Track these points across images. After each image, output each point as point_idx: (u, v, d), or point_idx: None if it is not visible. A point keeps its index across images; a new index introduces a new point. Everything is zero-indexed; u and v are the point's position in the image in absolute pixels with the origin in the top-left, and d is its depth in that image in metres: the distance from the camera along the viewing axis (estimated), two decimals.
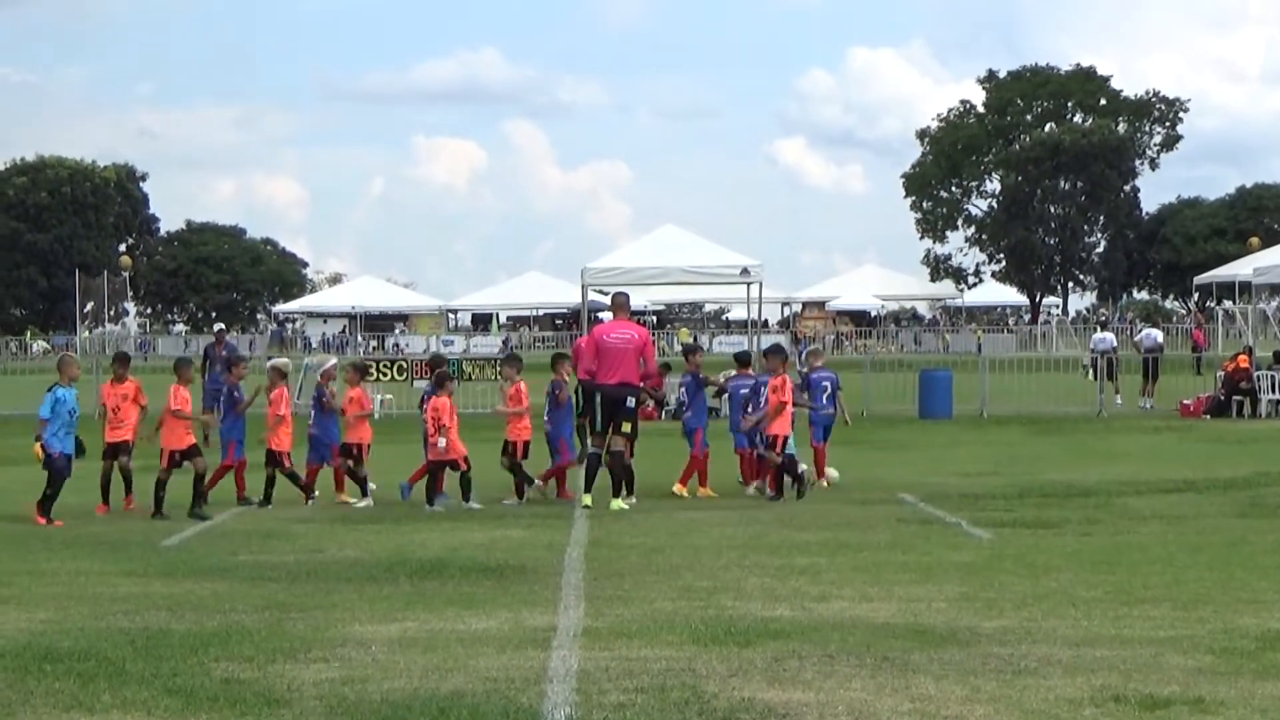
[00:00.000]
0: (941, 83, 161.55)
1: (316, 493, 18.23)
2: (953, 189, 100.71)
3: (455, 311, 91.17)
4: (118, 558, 13.54)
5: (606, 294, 32.01)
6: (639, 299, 61.64)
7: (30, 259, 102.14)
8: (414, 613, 10.37)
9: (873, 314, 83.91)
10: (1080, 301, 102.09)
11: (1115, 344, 38.77)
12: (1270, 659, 8.61)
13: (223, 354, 27.10)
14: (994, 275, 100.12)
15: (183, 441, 17.17)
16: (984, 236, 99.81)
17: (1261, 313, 62.65)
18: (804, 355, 21.58)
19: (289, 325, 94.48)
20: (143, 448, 17.87)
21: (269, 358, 30.59)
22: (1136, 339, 40.44)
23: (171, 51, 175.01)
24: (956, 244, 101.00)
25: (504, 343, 69.82)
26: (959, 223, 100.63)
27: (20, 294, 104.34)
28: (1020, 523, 15.22)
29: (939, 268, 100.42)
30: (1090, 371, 37.37)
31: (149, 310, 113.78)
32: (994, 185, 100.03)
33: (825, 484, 19.22)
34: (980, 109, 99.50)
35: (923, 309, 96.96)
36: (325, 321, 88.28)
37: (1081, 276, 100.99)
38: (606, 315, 26.58)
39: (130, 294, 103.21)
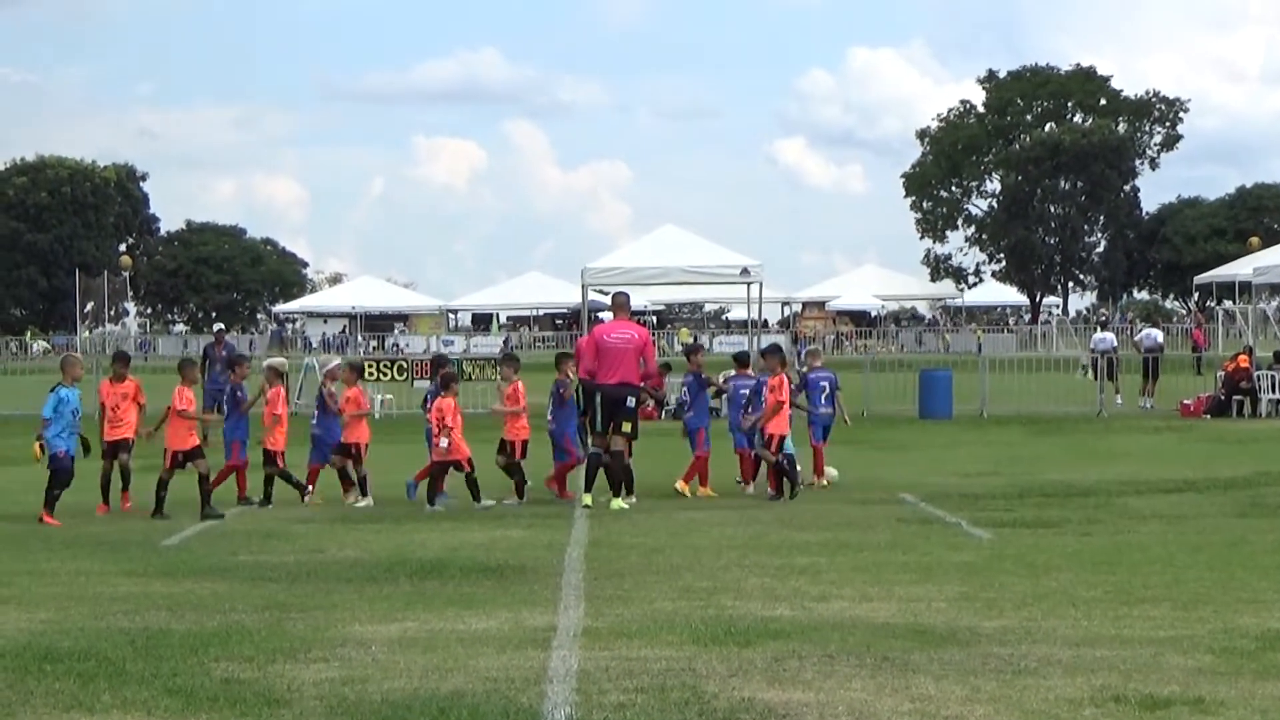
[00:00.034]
0: (941, 83, 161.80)
1: (311, 488, 18.25)
2: (953, 189, 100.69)
3: (455, 311, 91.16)
4: (118, 558, 13.54)
5: (607, 294, 32.01)
6: (639, 299, 61.61)
7: (30, 259, 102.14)
8: (414, 613, 10.37)
9: (873, 314, 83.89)
10: (1080, 301, 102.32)
11: (1115, 344, 38.75)
12: (1270, 659, 8.60)
13: (223, 354, 27.13)
14: (994, 275, 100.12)
15: (186, 442, 17.16)
16: (984, 236, 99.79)
17: (1261, 313, 62.60)
18: (803, 355, 21.60)
19: (289, 325, 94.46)
20: (144, 447, 17.87)
21: (268, 358, 30.59)
22: (1137, 339, 40.44)
23: (171, 51, 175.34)
24: (956, 244, 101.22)
25: (504, 343, 69.80)
26: (959, 223, 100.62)
27: (20, 294, 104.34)
28: (1020, 523, 15.22)
29: (939, 268, 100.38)
30: (1088, 372, 37.38)
31: (149, 310, 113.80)
32: (994, 185, 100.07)
33: (825, 483, 19.29)
34: (980, 109, 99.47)
35: (923, 309, 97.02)
36: (325, 321, 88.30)
37: (1081, 276, 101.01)
38: (607, 315, 26.57)
39: (130, 294, 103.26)
